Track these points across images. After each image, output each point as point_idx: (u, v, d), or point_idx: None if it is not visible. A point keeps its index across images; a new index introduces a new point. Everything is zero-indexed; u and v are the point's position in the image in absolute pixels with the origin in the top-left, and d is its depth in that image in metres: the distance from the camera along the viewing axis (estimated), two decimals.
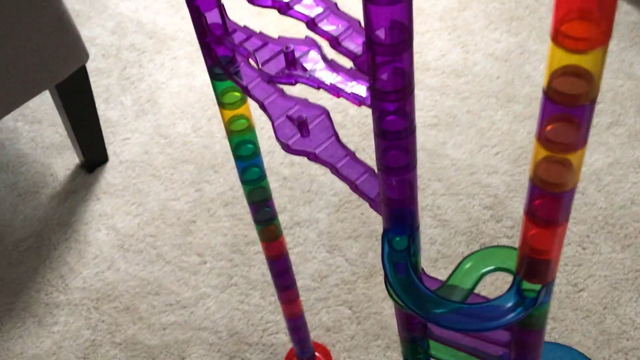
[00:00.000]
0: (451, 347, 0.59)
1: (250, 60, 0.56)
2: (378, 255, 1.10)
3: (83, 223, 1.20)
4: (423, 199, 1.15)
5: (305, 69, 0.51)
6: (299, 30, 0.48)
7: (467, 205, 1.14)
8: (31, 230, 1.20)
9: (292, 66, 0.52)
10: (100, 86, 1.40)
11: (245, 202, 1.06)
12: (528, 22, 1.41)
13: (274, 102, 0.58)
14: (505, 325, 0.49)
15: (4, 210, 1.23)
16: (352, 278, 1.08)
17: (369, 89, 0.43)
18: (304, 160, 0.58)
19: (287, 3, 0.49)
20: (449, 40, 1.40)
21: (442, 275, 1.05)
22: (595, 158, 1.18)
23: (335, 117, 1.27)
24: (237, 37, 0.56)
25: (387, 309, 1.04)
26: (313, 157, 0.54)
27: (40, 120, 1.36)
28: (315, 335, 1.03)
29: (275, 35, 0.54)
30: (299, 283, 1.06)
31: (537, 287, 0.48)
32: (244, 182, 0.71)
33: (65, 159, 1.29)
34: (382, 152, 0.46)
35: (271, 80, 0.52)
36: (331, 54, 0.50)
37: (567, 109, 0.37)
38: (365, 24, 0.39)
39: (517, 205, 1.13)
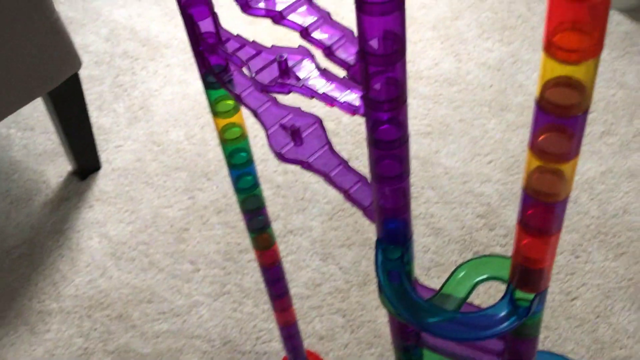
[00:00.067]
0: (445, 355, 0.59)
1: (244, 69, 0.55)
2: (372, 263, 1.10)
3: (75, 231, 1.19)
4: (416, 207, 1.15)
5: (298, 78, 0.51)
6: (292, 38, 0.48)
7: (461, 213, 1.15)
8: (23, 237, 1.19)
9: (285, 75, 0.52)
10: (93, 93, 1.40)
11: (238, 210, 1.06)
12: (520, 32, 1.41)
13: (267, 110, 0.58)
14: (499, 334, 0.49)
15: None
16: (346, 286, 1.08)
17: (362, 98, 0.43)
18: (297, 168, 0.58)
19: (281, 12, 0.49)
20: (441, 49, 1.40)
21: (435, 284, 1.05)
22: (588, 167, 1.18)
23: (328, 125, 1.27)
24: (231, 46, 0.56)
25: (381, 317, 1.04)
26: (306, 166, 0.54)
27: (32, 128, 1.36)
28: (309, 343, 1.02)
29: (268, 44, 0.54)
30: (293, 291, 1.06)
31: (530, 296, 0.48)
32: (238, 190, 0.71)
33: (57, 166, 1.29)
34: (375, 161, 0.46)
35: (264, 89, 0.52)
36: (324, 63, 0.50)
37: (559, 119, 0.37)
38: (358, 34, 0.39)
39: (510, 214, 1.14)
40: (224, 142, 0.66)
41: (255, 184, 0.71)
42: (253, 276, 1.10)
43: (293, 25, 0.49)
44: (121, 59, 1.46)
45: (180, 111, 1.35)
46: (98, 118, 1.35)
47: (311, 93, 0.50)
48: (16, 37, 1.02)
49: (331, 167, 0.54)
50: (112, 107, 1.38)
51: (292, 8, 0.49)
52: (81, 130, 1.21)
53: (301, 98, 0.52)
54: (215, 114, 0.64)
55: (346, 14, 1.44)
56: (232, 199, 1.20)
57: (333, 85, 0.50)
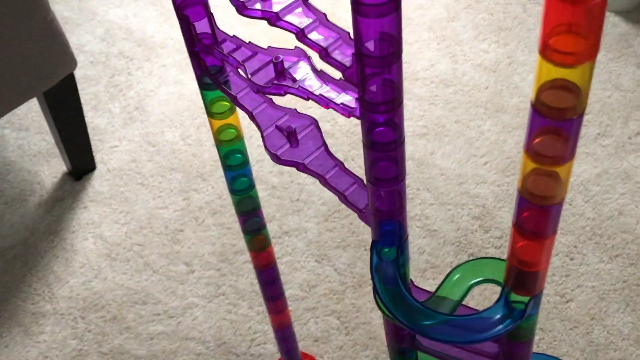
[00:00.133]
0: (440, 358, 0.59)
1: (240, 70, 0.55)
2: (367, 264, 1.09)
3: (70, 231, 1.19)
4: (412, 209, 1.15)
5: (294, 80, 0.51)
6: (288, 39, 0.48)
7: (456, 215, 1.15)
8: (18, 238, 1.19)
9: (281, 76, 0.52)
10: (89, 93, 1.39)
11: (233, 211, 1.06)
12: (516, 33, 1.42)
13: (263, 112, 0.58)
14: (494, 337, 0.49)
15: None
16: (341, 288, 1.08)
17: (358, 100, 0.43)
18: (293, 169, 0.58)
19: (277, 14, 0.49)
20: (437, 51, 1.40)
21: (431, 285, 1.05)
22: (583, 169, 1.19)
23: (324, 127, 1.27)
24: (227, 47, 0.56)
25: (376, 319, 1.04)
26: (302, 168, 0.54)
27: (27, 128, 1.35)
28: (304, 345, 1.02)
29: (264, 45, 0.54)
30: (288, 293, 1.05)
31: (525, 299, 0.48)
32: (233, 191, 0.71)
33: (52, 167, 1.28)
34: (371, 163, 0.46)
35: (260, 90, 0.52)
36: (321, 64, 0.50)
37: (555, 122, 0.37)
38: (354, 36, 0.39)
39: (506, 216, 1.14)
40: (219, 143, 0.66)
41: (251, 186, 0.71)
42: (248, 278, 1.10)
43: (289, 27, 0.48)
44: (117, 59, 1.45)
45: (176, 112, 1.35)
46: (93, 118, 1.35)
47: (307, 94, 0.50)
48: (11, 36, 1.01)
49: (327, 169, 0.54)
50: (107, 108, 1.37)
51: (288, 9, 0.49)
52: (76, 131, 1.21)
53: (297, 99, 0.52)
54: (211, 115, 0.64)
55: (342, 15, 1.44)
56: (227, 200, 1.20)
57: (329, 87, 0.50)
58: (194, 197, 1.21)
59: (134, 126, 1.33)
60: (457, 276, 0.55)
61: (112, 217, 1.20)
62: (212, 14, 0.56)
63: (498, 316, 0.49)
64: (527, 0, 1.47)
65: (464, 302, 0.54)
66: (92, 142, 1.27)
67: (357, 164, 1.22)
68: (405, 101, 1.31)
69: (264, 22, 0.49)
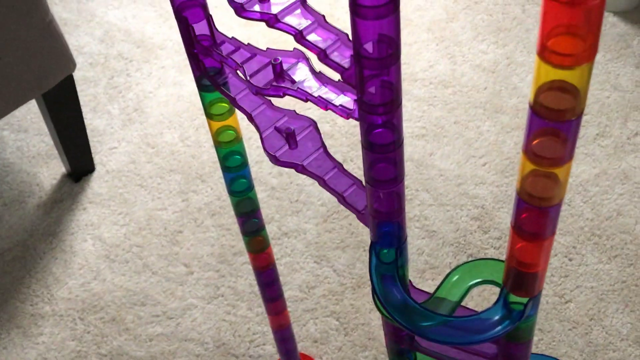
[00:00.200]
0: (438, 359, 0.59)
1: (238, 72, 0.55)
2: (366, 265, 1.09)
3: (69, 233, 1.19)
4: (411, 210, 1.15)
5: (293, 81, 0.51)
6: (287, 40, 0.48)
7: (455, 216, 1.15)
8: (17, 240, 1.19)
9: (280, 78, 0.52)
10: (88, 95, 1.39)
11: (232, 212, 1.06)
12: (515, 34, 1.42)
13: (262, 113, 0.57)
14: (492, 338, 0.49)
15: None
16: (340, 289, 1.08)
17: (357, 101, 0.43)
18: (292, 170, 0.58)
19: (275, 15, 0.49)
20: (436, 51, 1.40)
21: (430, 286, 1.05)
22: (582, 169, 1.19)
23: (323, 128, 1.27)
24: (225, 49, 0.56)
25: (375, 320, 1.04)
26: (301, 169, 0.54)
27: (26, 129, 1.35)
28: (303, 346, 1.02)
29: (263, 46, 0.54)
30: (287, 294, 1.05)
31: (524, 300, 0.48)
32: (232, 193, 0.71)
33: (51, 168, 1.28)
34: (370, 164, 0.46)
35: (259, 92, 0.52)
36: (319, 66, 0.50)
37: (553, 123, 0.37)
38: (353, 37, 0.39)
39: (504, 216, 1.14)
40: (218, 144, 0.66)
41: (250, 187, 0.70)
42: (247, 279, 1.10)
43: (287, 29, 0.48)
44: (116, 60, 1.45)
45: (175, 113, 1.35)
46: (92, 120, 1.35)
47: (306, 96, 0.50)
48: (10, 38, 1.01)
49: (325, 171, 0.54)
50: (106, 109, 1.37)
51: (286, 11, 0.49)
52: (75, 132, 1.21)
53: (296, 101, 0.52)
54: (210, 116, 0.64)
55: (341, 16, 1.45)
56: (226, 201, 1.20)
57: (328, 89, 0.50)
58: (193, 198, 1.21)
59: (133, 127, 1.33)
60: (456, 277, 0.55)
61: (111, 219, 1.20)
62: (210, 15, 0.56)
63: (497, 317, 0.49)
64: (526, 0, 1.48)
65: (462, 303, 0.54)
66: (91, 144, 1.27)
67: (356, 165, 1.22)
68: (404, 102, 1.32)
69: (263, 24, 0.49)
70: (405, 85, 1.34)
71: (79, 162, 1.24)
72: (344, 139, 1.27)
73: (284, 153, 0.55)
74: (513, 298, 0.48)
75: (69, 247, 1.17)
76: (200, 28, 0.56)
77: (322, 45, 0.47)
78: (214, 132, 0.65)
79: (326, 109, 0.49)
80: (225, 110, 0.63)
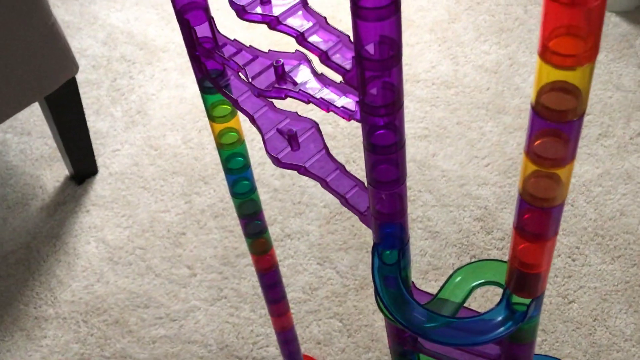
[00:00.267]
0: None
1: (240, 74, 0.55)
2: (369, 267, 1.09)
3: (72, 235, 1.19)
4: (414, 211, 1.15)
5: (295, 83, 0.51)
6: (289, 42, 0.48)
7: (458, 216, 1.14)
8: (20, 242, 1.19)
9: (282, 80, 0.52)
10: (90, 97, 1.39)
11: (235, 214, 1.06)
12: (517, 34, 1.42)
13: (264, 115, 0.57)
14: (495, 339, 0.49)
15: None
16: (343, 290, 1.08)
17: (359, 103, 0.43)
18: (294, 172, 0.58)
19: (277, 18, 0.49)
20: (439, 52, 1.40)
21: (433, 287, 1.05)
22: (585, 169, 1.19)
23: (326, 129, 1.27)
24: (227, 51, 0.56)
25: (378, 321, 1.04)
26: (303, 171, 0.54)
27: (29, 132, 1.35)
28: (306, 348, 1.02)
29: (265, 48, 0.54)
30: (290, 295, 1.05)
31: (527, 301, 0.48)
32: (234, 195, 0.71)
33: (54, 171, 1.28)
34: (371, 166, 0.46)
35: (261, 94, 0.52)
36: (321, 67, 0.50)
37: (555, 124, 0.37)
38: (354, 39, 0.39)
39: (507, 217, 1.14)
40: (220, 146, 0.66)
41: (252, 189, 0.71)
42: (250, 281, 1.10)
43: (289, 31, 0.48)
44: (118, 62, 1.46)
45: (177, 115, 1.35)
46: (95, 122, 1.35)
47: (307, 98, 0.50)
48: (13, 41, 1.01)
49: (328, 172, 0.54)
50: (109, 111, 1.37)
51: (288, 13, 0.49)
52: (78, 135, 1.21)
53: (298, 102, 0.52)
54: (212, 118, 0.64)
55: (344, 17, 1.45)
56: (229, 203, 1.20)
57: (329, 90, 0.50)
58: (195, 200, 1.21)
59: (135, 130, 1.33)
60: (459, 278, 0.55)
61: (114, 221, 1.20)
62: (212, 18, 0.56)
63: (500, 318, 0.49)
64: (528, 1, 1.47)
65: (465, 305, 0.54)
66: (94, 146, 1.28)
67: (358, 167, 1.22)
68: (406, 103, 1.32)
69: (265, 26, 0.50)
70: (408, 86, 1.34)
71: (82, 164, 1.25)
72: (346, 141, 1.27)
73: (286, 155, 0.55)
74: (516, 299, 0.48)
75: (72, 250, 1.17)
76: (202, 30, 0.56)
77: (323, 47, 0.47)
78: (216, 134, 0.65)
79: (328, 110, 0.49)
80: (228, 113, 0.63)
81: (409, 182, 1.17)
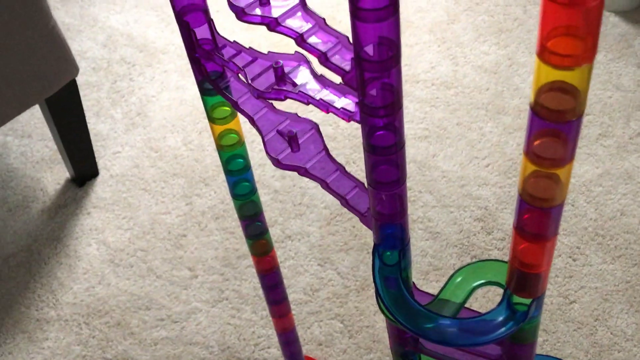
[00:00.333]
0: None
1: (240, 76, 0.55)
2: (369, 268, 1.09)
3: (73, 238, 1.19)
4: (414, 211, 1.15)
5: (294, 84, 0.51)
6: (289, 43, 0.48)
7: (458, 217, 1.14)
8: (21, 245, 1.19)
9: (281, 81, 0.52)
10: (91, 100, 1.40)
11: (236, 216, 1.06)
12: (516, 35, 1.42)
13: (264, 117, 0.57)
14: (496, 339, 0.49)
15: None
16: (344, 291, 1.08)
17: (358, 104, 0.43)
18: (295, 173, 0.58)
19: (276, 19, 0.49)
20: (438, 53, 1.40)
21: (434, 288, 1.05)
22: (585, 169, 1.19)
23: (326, 130, 1.27)
24: (227, 53, 0.56)
25: (379, 322, 1.04)
26: (303, 172, 0.54)
27: (30, 135, 1.36)
28: (308, 349, 1.02)
29: (265, 50, 0.54)
30: (291, 297, 1.05)
31: (528, 301, 0.48)
32: (235, 196, 0.71)
33: (55, 173, 1.28)
34: (371, 167, 0.46)
35: (261, 95, 0.52)
36: (320, 68, 0.50)
37: (554, 124, 0.37)
38: (353, 40, 0.39)
39: (508, 217, 1.14)
40: (220, 148, 0.66)
41: (253, 190, 0.71)
42: (251, 282, 1.10)
43: (288, 32, 0.48)
44: (118, 65, 1.46)
45: (178, 117, 1.35)
46: (95, 124, 1.35)
47: (307, 99, 0.50)
48: (13, 44, 1.02)
49: (328, 173, 0.54)
50: (109, 114, 1.37)
51: (287, 15, 0.49)
52: (79, 137, 1.21)
53: (298, 104, 0.52)
54: (212, 120, 0.64)
55: (343, 18, 1.45)
56: (230, 204, 1.20)
57: (329, 91, 0.50)
58: (196, 202, 1.21)
59: (136, 132, 1.34)
60: (460, 279, 0.55)
61: (115, 223, 1.20)
62: (212, 19, 0.56)
63: (501, 318, 0.49)
64: (527, 1, 1.47)
65: (466, 305, 0.54)
66: (95, 148, 1.28)
67: (359, 167, 1.22)
68: (406, 103, 1.32)
69: (265, 27, 0.50)
70: (408, 87, 1.34)
71: (83, 166, 1.25)
72: (346, 142, 1.27)
73: (286, 156, 0.55)
74: (517, 299, 0.48)
75: (73, 252, 1.17)
76: (202, 32, 0.56)
77: (322, 49, 0.47)
78: (216, 135, 0.65)
79: (327, 111, 0.49)
80: (228, 114, 0.63)
81: (409, 183, 1.18)
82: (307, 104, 0.50)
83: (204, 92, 0.61)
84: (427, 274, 1.08)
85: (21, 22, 1.01)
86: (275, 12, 0.49)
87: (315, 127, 0.56)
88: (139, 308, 1.09)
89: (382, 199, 0.48)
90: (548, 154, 0.38)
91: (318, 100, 0.49)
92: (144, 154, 1.30)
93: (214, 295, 1.09)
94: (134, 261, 1.15)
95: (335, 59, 0.47)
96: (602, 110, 1.27)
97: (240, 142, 0.66)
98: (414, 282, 0.56)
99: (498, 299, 0.50)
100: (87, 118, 1.23)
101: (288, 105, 0.56)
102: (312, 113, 1.21)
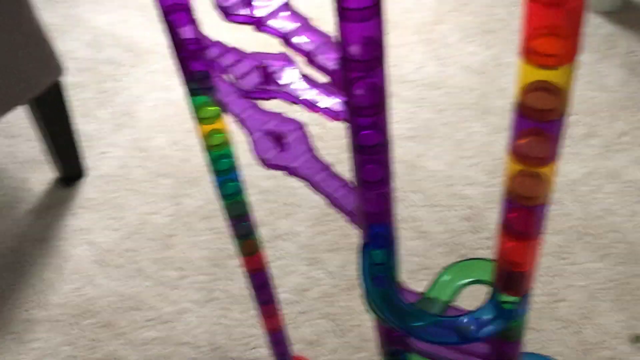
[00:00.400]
0: (431, 359, 0.59)
1: (226, 76, 0.55)
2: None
3: (61, 238, 1.19)
4: (402, 211, 1.16)
5: (281, 84, 0.51)
6: (275, 44, 0.48)
7: (446, 216, 1.15)
8: (8, 246, 1.18)
9: (267, 81, 0.52)
10: (77, 100, 1.39)
11: (224, 216, 1.06)
12: (502, 35, 1.42)
13: (251, 116, 0.58)
14: (484, 337, 0.49)
15: None
16: (333, 291, 1.08)
17: (344, 104, 0.43)
18: (283, 173, 0.59)
19: (261, 19, 0.49)
20: (424, 53, 1.41)
21: (422, 287, 1.05)
22: (571, 169, 1.19)
23: (314, 130, 1.27)
24: (212, 52, 0.56)
25: (369, 321, 1.04)
26: (291, 172, 0.54)
27: (16, 135, 1.35)
28: (297, 349, 1.02)
29: (251, 49, 0.54)
30: (280, 296, 1.05)
31: (514, 299, 0.48)
32: (222, 196, 0.71)
33: (42, 174, 1.28)
34: (358, 166, 0.46)
35: (247, 95, 0.52)
36: (307, 69, 0.50)
37: (538, 123, 0.37)
38: (338, 40, 0.39)
39: (495, 216, 1.14)
40: (207, 148, 0.66)
41: (240, 190, 0.71)
42: (241, 282, 1.10)
43: (274, 32, 0.48)
44: (104, 65, 1.45)
45: (165, 117, 1.35)
46: (82, 125, 1.34)
47: (293, 99, 0.50)
48: None
49: (315, 173, 0.54)
50: (96, 114, 1.37)
51: (272, 15, 0.49)
52: (65, 138, 1.21)
53: (284, 104, 0.52)
54: (199, 120, 0.64)
55: (328, 18, 1.45)
56: (218, 204, 1.20)
57: (315, 91, 0.50)
58: (184, 202, 1.21)
59: (123, 132, 1.33)
60: (447, 277, 0.55)
61: (103, 224, 1.20)
62: (197, 19, 0.56)
63: (487, 317, 0.49)
64: (512, 2, 1.48)
65: (454, 303, 0.54)
66: (82, 149, 1.27)
67: (347, 167, 1.22)
68: (393, 104, 1.32)
69: (251, 27, 0.50)
70: (394, 88, 1.34)
71: (70, 167, 1.24)
72: (334, 141, 1.27)
73: (273, 156, 0.55)
74: (503, 297, 0.49)
75: (61, 253, 1.17)
76: (187, 32, 0.56)
77: (308, 48, 0.47)
78: (203, 135, 0.65)
79: (313, 111, 0.49)
80: (214, 114, 0.63)
81: (396, 183, 1.18)
82: (293, 103, 0.50)
83: (190, 92, 0.61)
84: (415, 274, 1.09)
85: (6, 22, 1.00)
86: (261, 12, 0.49)
87: (302, 126, 0.56)
88: (128, 308, 1.09)
89: (369, 198, 0.48)
90: (532, 153, 0.38)
91: (304, 100, 0.49)
92: (131, 154, 1.29)
93: (203, 295, 1.09)
94: (122, 262, 1.15)
95: (321, 59, 0.47)
96: (588, 111, 1.28)
97: (228, 142, 0.66)
98: (401, 281, 0.56)
99: (485, 297, 0.51)
100: (73, 118, 1.22)
101: (275, 106, 0.56)
102: (298, 113, 1.21)
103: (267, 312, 0.84)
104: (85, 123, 1.35)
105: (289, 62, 0.52)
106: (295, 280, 1.09)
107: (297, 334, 1.03)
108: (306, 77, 0.51)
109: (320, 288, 1.08)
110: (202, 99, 0.62)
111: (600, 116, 1.27)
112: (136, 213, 1.20)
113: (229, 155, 0.67)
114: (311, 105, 0.49)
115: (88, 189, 1.25)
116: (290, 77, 0.52)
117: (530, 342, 1.00)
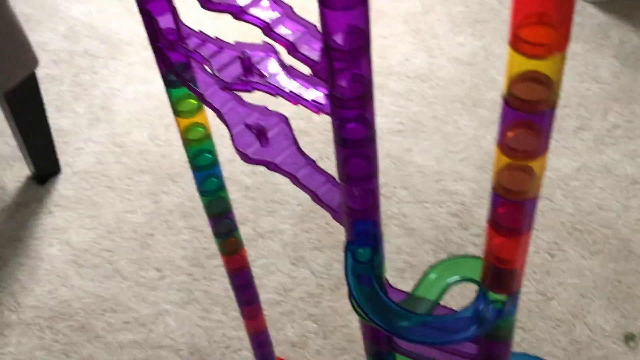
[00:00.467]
0: None
1: (206, 67, 0.53)
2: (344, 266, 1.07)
3: (35, 238, 1.16)
4: (389, 207, 1.14)
5: (262, 76, 0.49)
6: (258, 33, 0.46)
7: (434, 213, 1.13)
8: None
9: (249, 72, 0.50)
10: (52, 94, 1.36)
11: (205, 213, 1.03)
12: (492, 26, 1.41)
13: (232, 110, 0.56)
14: (472, 337, 0.48)
15: None
16: (318, 291, 1.06)
17: (328, 96, 0.41)
18: (266, 168, 0.57)
19: (242, 7, 0.46)
20: (413, 44, 1.39)
21: (409, 286, 1.03)
22: (562, 163, 1.18)
23: (298, 124, 1.25)
24: (192, 43, 0.54)
25: (354, 322, 1.02)
26: (273, 167, 0.53)
27: None
28: (281, 351, 1.00)
29: (233, 40, 0.52)
30: (263, 297, 1.03)
31: (503, 297, 0.47)
32: (202, 193, 0.69)
33: (15, 171, 1.25)
34: (342, 160, 0.45)
35: (227, 87, 0.50)
36: (289, 59, 0.47)
37: (527, 115, 0.36)
38: (322, 29, 0.38)
39: (484, 212, 1.12)
40: (187, 142, 0.65)
41: (221, 186, 0.69)
42: (222, 282, 1.08)
43: (255, 21, 0.47)
44: (81, 57, 1.42)
45: (144, 111, 1.32)
46: (57, 119, 1.32)
47: (276, 91, 0.48)
48: None
49: (298, 168, 0.53)
50: (71, 108, 1.34)
51: (253, 3, 0.47)
52: (39, 133, 1.19)
53: (268, 96, 0.50)
54: (178, 113, 0.62)
55: (314, 9, 1.42)
56: (198, 202, 1.16)
57: (298, 83, 0.48)
58: (163, 199, 1.19)
59: (100, 127, 1.30)
60: (434, 275, 0.55)
61: (79, 222, 1.17)
62: (176, 7, 0.54)
63: (476, 316, 0.48)
64: None
65: (441, 302, 0.53)
66: (57, 144, 1.25)
67: (333, 162, 1.20)
68: (380, 97, 1.30)
69: (232, 17, 0.47)
70: (381, 80, 1.32)
71: (44, 163, 1.23)
72: (319, 136, 1.25)
73: (255, 151, 0.54)
74: (492, 296, 0.48)
75: (35, 253, 1.14)
76: (165, 21, 0.54)
77: (291, 38, 0.45)
78: (182, 129, 0.64)
79: (296, 103, 0.47)
80: (194, 107, 0.62)
81: (383, 178, 1.16)
82: (276, 95, 0.49)
83: (168, 84, 0.60)
84: (403, 272, 1.06)
85: None
86: (241, 0, 0.47)
87: (285, 120, 0.54)
88: (105, 310, 1.06)
89: (354, 194, 0.47)
90: (521, 146, 0.38)
91: (287, 92, 0.48)
92: (109, 149, 1.26)
93: (183, 297, 1.07)
94: (98, 262, 1.12)
95: (304, 49, 0.45)
96: (580, 103, 1.26)
97: (208, 136, 0.65)
98: (387, 280, 0.54)
99: (473, 296, 0.49)
100: (48, 113, 1.20)
101: (258, 98, 0.54)
102: (283, 107, 1.18)
103: (250, 313, 0.83)
104: (61, 117, 1.32)
105: (271, 52, 0.50)
106: (278, 280, 1.07)
107: (280, 336, 1.01)
108: (289, 69, 0.49)
109: (305, 288, 1.06)
110: (181, 91, 0.60)
111: (592, 109, 1.25)
112: (113, 211, 1.18)
113: (209, 150, 0.66)
114: (294, 98, 0.47)
115: (63, 187, 1.22)
116: (272, 69, 0.50)
117: (521, 341, 0.98)
